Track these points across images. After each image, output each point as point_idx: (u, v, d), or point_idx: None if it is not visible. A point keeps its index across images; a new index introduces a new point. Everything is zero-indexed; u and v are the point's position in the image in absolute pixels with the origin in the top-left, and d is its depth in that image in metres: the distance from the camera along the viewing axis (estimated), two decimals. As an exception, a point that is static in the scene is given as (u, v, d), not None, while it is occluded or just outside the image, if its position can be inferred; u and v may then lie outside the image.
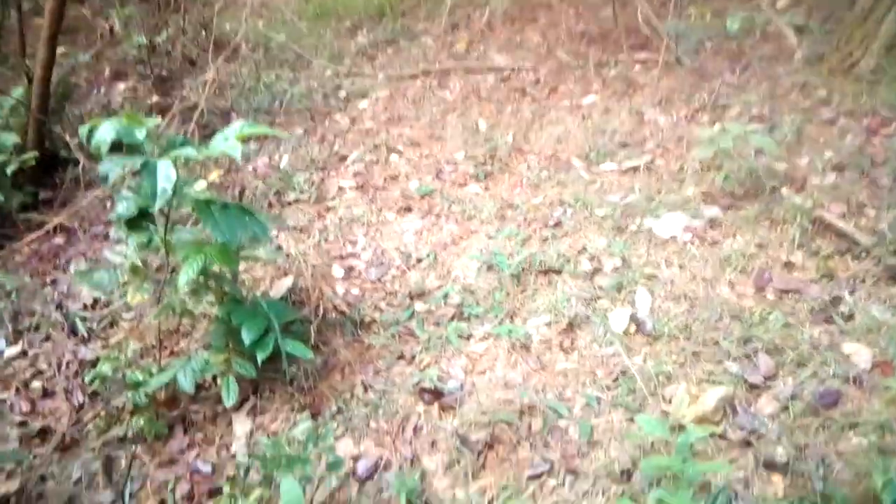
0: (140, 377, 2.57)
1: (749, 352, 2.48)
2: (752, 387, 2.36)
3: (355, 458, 2.39)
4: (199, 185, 2.67)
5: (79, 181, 4.00)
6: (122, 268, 2.65)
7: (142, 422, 2.57)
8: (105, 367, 2.64)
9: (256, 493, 2.12)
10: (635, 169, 3.69)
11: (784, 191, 3.26)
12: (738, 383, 2.36)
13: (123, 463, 2.49)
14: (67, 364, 3.06)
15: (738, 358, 2.47)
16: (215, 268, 2.56)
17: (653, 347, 2.59)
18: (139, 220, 2.40)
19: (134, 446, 2.55)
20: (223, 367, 2.58)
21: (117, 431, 2.61)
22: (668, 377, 2.44)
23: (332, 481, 2.29)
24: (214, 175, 3.90)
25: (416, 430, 2.48)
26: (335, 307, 3.01)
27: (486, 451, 2.34)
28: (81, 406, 2.79)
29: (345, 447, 2.45)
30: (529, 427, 2.38)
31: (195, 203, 2.37)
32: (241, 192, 2.68)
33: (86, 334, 3.13)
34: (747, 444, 2.17)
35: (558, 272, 3.03)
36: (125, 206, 2.40)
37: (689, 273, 2.90)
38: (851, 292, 2.68)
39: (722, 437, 2.19)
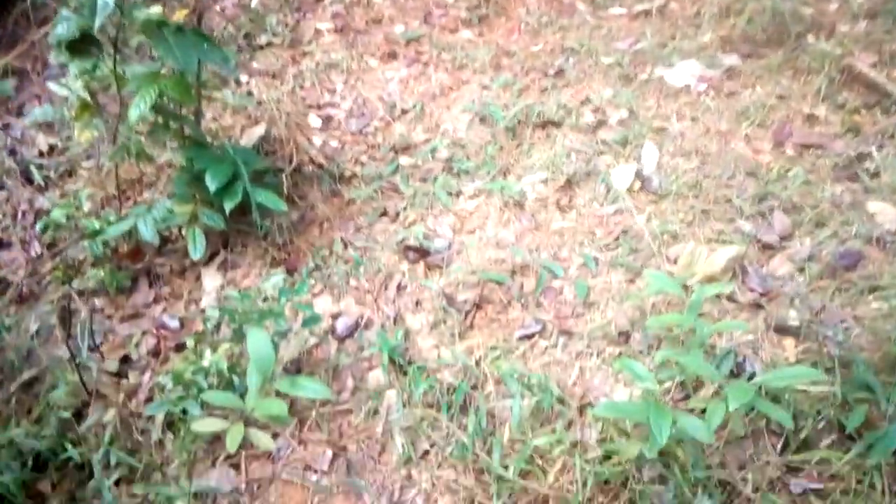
0: (97, 225, 2.32)
1: (764, 210, 2.25)
2: (766, 247, 2.15)
3: (334, 316, 2.20)
4: (154, 9, 2.28)
5: (29, 17, 3.55)
6: (69, 104, 2.33)
7: (102, 274, 2.35)
8: (58, 214, 2.38)
9: (224, 347, 1.93)
10: (647, 13, 3.29)
11: (811, 37, 2.91)
12: (750, 243, 2.15)
13: (83, 316, 2.28)
14: (23, 213, 2.81)
15: (752, 216, 2.24)
16: (176, 109, 2.25)
17: (658, 206, 2.34)
18: (82, 44, 2.05)
19: (94, 299, 2.35)
20: (189, 217, 2.33)
21: (77, 284, 2.40)
22: (675, 237, 2.21)
23: (309, 338, 2.11)
24: (179, 14, 3.46)
25: (399, 288, 2.28)
26: (312, 159, 2.71)
27: (475, 311, 2.16)
28: (39, 257, 2.56)
29: (323, 305, 2.25)
30: (521, 287, 2.18)
31: (144, 25, 2.01)
32: (200, 18, 2.30)
33: (42, 183, 2.86)
34: (758, 306, 1.98)
35: (558, 125, 2.73)
36: (65, 27, 2.04)
37: (701, 126, 2.61)
38: (879, 148, 2.41)
39: (730, 298, 2.00)
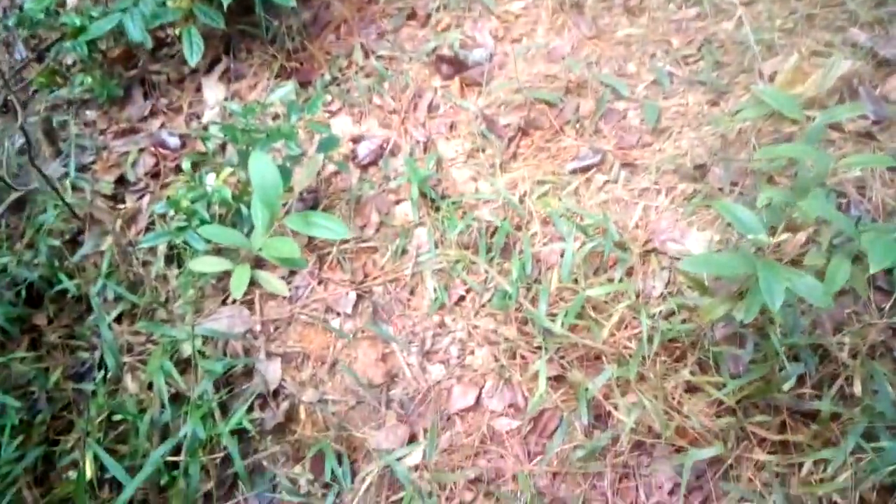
0: (78, 22, 1.87)
1: (883, 16, 1.72)
2: (883, 63, 1.65)
3: (355, 140, 1.81)
4: None
5: None
6: None
7: (91, 81, 1.95)
8: (33, 7, 1.93)
9: (227, 171, 1.58)
10: None
11: None
12: (865, 58, 1.66)
13: (73, 129, 1.93)
14: (4, 11, 2.36)
15: (868, 24, 1.72)
16: None
17: (752, 8, 1.82)
18: None
19: (85, 111, 1.97)
20: (184, 15, 1.87)
21: (65, 92, 2.01)
22: (770, 48, 1.72)
23: (327, 164, 1.75)
24: None
25: (430, 108, 1.86)
26: (327, -57, 2.17)
27: (519, 137, 1.75)
28: (24, 62, 2.16)
29: (342, 125, 1.86)
30: (576, 109, 1.75)
31: None
32: None
33: (22, -27, 2.37)
34: (868, 136, 1.55)
35: None
36: None
37: None
38: None
39: (835, 127, 1.56)
